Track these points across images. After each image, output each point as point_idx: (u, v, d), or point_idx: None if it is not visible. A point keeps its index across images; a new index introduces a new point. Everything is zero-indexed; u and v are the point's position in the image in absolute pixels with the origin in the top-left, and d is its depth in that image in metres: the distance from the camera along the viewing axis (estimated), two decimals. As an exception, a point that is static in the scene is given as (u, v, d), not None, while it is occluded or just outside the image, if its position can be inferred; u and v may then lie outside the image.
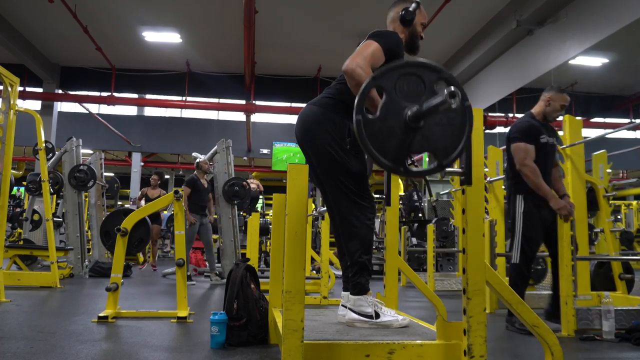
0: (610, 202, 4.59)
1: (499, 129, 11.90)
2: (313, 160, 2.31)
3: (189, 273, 6.31)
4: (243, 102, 13.31)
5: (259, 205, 11.73)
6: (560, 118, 3.68)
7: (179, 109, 14.93)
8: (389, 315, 2.18)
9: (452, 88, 1.45)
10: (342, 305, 2.31)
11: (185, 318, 3.42)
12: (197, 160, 6.68)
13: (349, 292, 2.27)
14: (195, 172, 6.61)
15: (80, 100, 13.17)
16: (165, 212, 11.80)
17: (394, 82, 1.59)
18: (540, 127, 3.43)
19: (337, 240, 2.42)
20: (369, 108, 1.62)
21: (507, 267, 5.35)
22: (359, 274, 2.22)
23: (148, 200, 7.86)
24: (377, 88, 1.62)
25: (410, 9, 2.32)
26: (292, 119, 15.57)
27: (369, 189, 2.32)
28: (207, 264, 7.39)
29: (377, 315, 2.16)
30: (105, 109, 14.53)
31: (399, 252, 3.40)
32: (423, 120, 1.58)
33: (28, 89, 12.99)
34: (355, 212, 2.22)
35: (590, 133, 13.53)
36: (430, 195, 8.75)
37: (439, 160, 1.61)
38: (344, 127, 2.25)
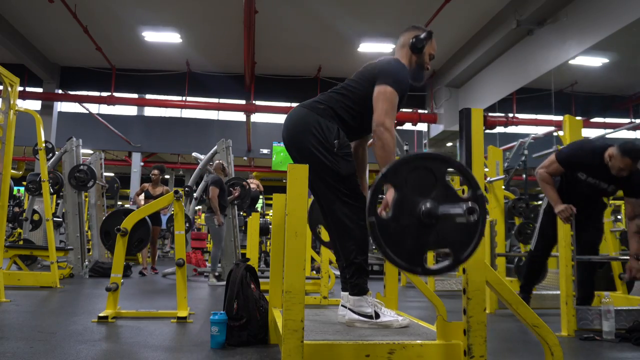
0: (610, 202, 4.59)
1: (499, 129, 11.90)
2: (299, 162, 2.30)
3: (216, 273, 6.31)
4: (243, 102, 13.32)
5: (259, 205, 11.73)
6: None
7: (179, 109, 14.93)
8: (389, 315, 2.18)
9: (470, 204, 1.46)
10: (342, 306, 2.31)
11: (185, 318, 3.42)
12: (219, 162, 6.69)
13: (348, 293, 2.27)
14: (213, 174, 6.61)
15: (80, 100, 13.17)
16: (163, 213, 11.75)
17: (404, 177, 1.58)
18: (592, 167, 3.30)
19: (332, 241, 2.41)
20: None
21: (507, 267, 5.38)
22: (356, 275, 2.22)
23: (149, 197, 7.34)
24: (387, 185, 1.61)
25: (422, 36, 2.34)
26: (292, 119, 15.55)
27: (360, 189, 2.30)
28: (206, 263, 7.40)
29: (377, 316, 2.16)
30: (105, 109, 14.53)
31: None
32: (436, 219, 1.57)
33: (28, 89, 12.99)
34: (349, 213, 2.21)
35: (590, 133, 13.54)
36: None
37: (455, 255, 1.59)
38: (331, 129, 2.25)
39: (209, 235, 9.41)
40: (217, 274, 6.34)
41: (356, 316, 2.19)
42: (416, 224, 1.57)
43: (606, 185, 3.34)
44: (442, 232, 1.58)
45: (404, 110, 12.44)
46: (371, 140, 2.26)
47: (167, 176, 22.75)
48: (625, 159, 3.17)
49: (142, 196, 7.55)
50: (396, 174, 1.59)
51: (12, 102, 4.44)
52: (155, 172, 7.41)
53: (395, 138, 2.11)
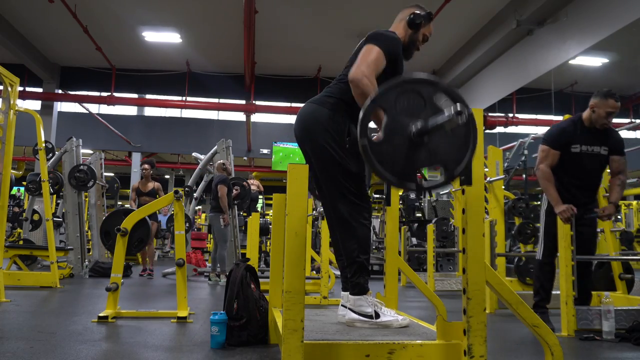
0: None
1: (499, 129, 11.91)
2: (312, 159, 2.30)
3: (217, 271, 6.28)
4: (243, 102, 13.32)
5: (259, 206, 11.73)
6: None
7: (179, 109, 14.93)
8: (388, 315, 2.18)
9: (458, 106, 1.46)
10: (342, 305, 2.31)
11: (185, 318, 3.42)
12: (220, 162, 6.67)
13: (348, 292, 2.27)
14: (217, 174, 6.57)
15: (80, 100, 13.17)
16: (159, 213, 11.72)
17: (394, 100, 1.60)
18: (577, 133, 3.34)
19: (334, 240, 2.41)
20: (375, 123, 1.61)
21: (507, 267, 5.38)
22: (357, 274, 2.22)
23: (140, 194, 7.00)
24: (377, 109, 1.62)
25: (421, 14, 2.34)
26: (292, 119, 15.53)
27: (367, 190, 2.31)
28: (206, 263, 7.39)
29: (377, 315, 2.16)
30: (105, 109, 14.53)
31: (399, 252, 3.40)
32: (427, 136, 1.58)
33: (28, 89, 12.99)
34: (353, 212, 2.21)
35: (590, 133, 13.51)
36: (430, 195, 8.75)
37: (449, 171, 1.61)
38: (343, 126, 2.25)
39: (209, 235, 9.41)
40: (218, 272, 6.34)
41: (356, 316, 2.19)
42: (408, 144, 1.59)
43: (599, 148, 3.36)
44: (434, 149, 1.60)
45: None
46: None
47: (167, 176, 22.75)
48: (609, 100, 3.23)
49: (134, 194, 7.16)
50: (385, 98, 1.60)
51: (12, 102, 4.44)
52: (146, 166, 7.16)
53: (375, 86, 2.04)
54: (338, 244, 2.35)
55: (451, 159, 1.62)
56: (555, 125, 3.54)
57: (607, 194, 3.52)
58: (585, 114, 3.38)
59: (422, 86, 1.63)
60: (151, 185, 7.13)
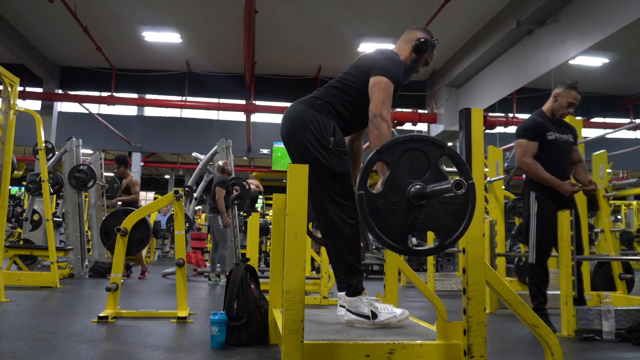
0: (610, 202, 4.59)
1: (499, 129, 11.90)
2: (296, 159, 2.31)
3: (217, 270, 6.25)
4: (243, 102, 13.32)
5: (259, 205, 11.74)
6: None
7: (179, 109, 14.94)
8: (385, 312, 2.17)
9: (458, 179, 1.46)
10: (340, 306, 2.31)
11: (185, 318, 3.42)
12: (219, 163, 6.66)
13: (344, 292, 2.27)
14: (217, 175, 6.56)
15: (80, 100, 13.17)
16: (163, 213, 11.72)
17: (399, 157, 1.59)
18: (548, 124, 3.45)
19: (324, 241, 2.41)
20: (378, 173, 1.61)
21: (507, 267, 5.37)
22: (350, 275, 2.21)
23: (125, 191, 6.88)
24: (381, 162, 1.62)
25: (429, 43, 2.38)
26: (292, 119, 15.55)
27: (352, 189, 2.28)
28: (206, 263, 7.39)
29: (375, 315, 2.16)
30: (105, 109, 14.53)
31: (399, 252, 3.39)
32: (426, 200, 1.58)
33: (28, 89, 12.99)
34: (339, 213, 2.20)
35: (590, 133, 13.54)
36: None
37: (441, 239, 1.60)
38: (328, 127, 2.25)
39: (209, 235, 9.40)
40: (218, 272, 6.34)
41: (354, 317, 2.18)
42: (405, 204, 1.58)
43: (567, 136, 3.49)
44: (430, 214, 1.59)
45: (404, 110, 12.45)
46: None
47: (167, 176, 22.76)
48: (572, 92, 3.41)
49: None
50: (390, 152, 1.60)
51: (12, 102, 4.44)
52: (117, 166, 7.06)
53: (391, 129, 2.12)
54: (328, 245, 2.35)
55: (446, 227, 1.61)
56: (525, 120, 3.61)
57: (590, 184, 3.55)
58: (547, 107, 3.52)
59: (429, 147, 1.62)
60: (125, 182, 7.13)
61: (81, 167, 7.02)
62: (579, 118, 3.96)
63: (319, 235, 2.54)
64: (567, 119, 3.84)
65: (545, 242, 3.40)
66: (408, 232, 1.60)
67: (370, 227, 1.55)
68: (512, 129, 12.64)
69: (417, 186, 1.57)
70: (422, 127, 13.64)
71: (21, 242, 6.77)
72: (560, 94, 3.44)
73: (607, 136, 5.18)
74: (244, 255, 6.61)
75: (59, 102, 13.73)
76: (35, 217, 7.47)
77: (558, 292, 3.36)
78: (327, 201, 2.22)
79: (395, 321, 2.15)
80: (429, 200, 1.59)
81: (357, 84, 2.32)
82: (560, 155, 3.44)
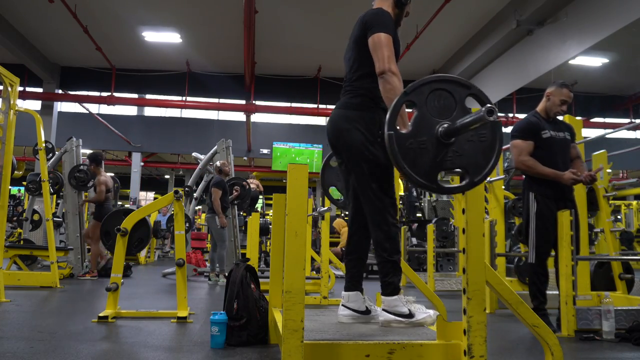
0: (610, 202, 4.59)
1: (499, 129, 11.91)
2: (347, 162, 2.30)
3: (225, 274, 6.19)
4: (243, 102, 13.32)
5: (259, 205, 11.74)
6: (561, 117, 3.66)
7: (179, 109, 14.94)
8: (421, 312, 2.18)
9: (489, 105, 1.45)
10: (343, 305, 2.31)
11: (185, 318, 3.42)
12: (217, 163, 6.64)
13: (351, 292, 2.27)
14: (214, 175, 6.51)
15: (80, 100, 13.17)
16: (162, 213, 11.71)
17: (425, 97, 1.60)
18: (542, 123, 3.45)
19: (354, 239, 2.40)
20: (398, 124, 1.62)
21: (507, 267, 5.37)
22: (391, 274, 2.21)
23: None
24: (408, 103, 1.62)
25: None
26: (292, 119, 15.58)
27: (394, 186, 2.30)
28: (206, 263, 7.38)
29: (412, 315, 2.16)
30: (105, 109, 14.54)
31: (399, 252, 3.40)
32: (454, 137, 1.58)
33: (28, 89, 12.99)
34: (385, 212, 2.20)
35: (590, 133, 13.54)
36: (430, 195, 8.74)
37: (470, 177, 1.61)
38: (373, 123, 2.23)
39: (209, 235, 9.40)
40: (217, 272, 6.33)
41: (392, 316, 2.17)
42: (434, 142, 1.59)
43: (563, 133, 3.49)
44: (459, 153, 1.60)
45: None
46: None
47: (167, 176, 22.75)
48: (564, 90, 3.43)
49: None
50: (418, 92, 1.60)
51: (12, 102, 4.44)
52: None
53: (401, 81, 2.09)
54: (360, 243, 2.36)
55: (474, 165, 1.61)
56: (518, 122, 3.63)
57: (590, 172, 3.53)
58: (540, 106, 3.54)
59: (455, 87, 1.62)
60: (102, 178, 6.63)
61: (81, 167, 7.02)
62: (579, 118, 3.96)
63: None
64: (566, 119, 3.85)
65: (544, 242, 3.39)
66: (438, 170, 1.60)
67: (400, 165, 1.56)
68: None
69: (445, 125, 1.58)
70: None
71: (21, 242, 6.77)
72: (552, 93, 3.47)
73: (607, 136, 5.16)
74: (244, 255, 6.61)
75: (59, 102, 13.73)
76: (35, 217, 7.47)
77: (554, 292, 3.36)
78: (377, 201, 2.20)
79: (430, 320, 2.15)
80: (458, 138, 1.59)
81: (368, 56, 2.22)
82: (558, 152, 3.44)
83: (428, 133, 1.59)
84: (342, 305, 2.32)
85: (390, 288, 2.20)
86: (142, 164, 15.31)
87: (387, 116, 1.57)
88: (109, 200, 6.69)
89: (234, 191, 7.03)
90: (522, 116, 12.55)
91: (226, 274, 6.12)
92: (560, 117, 3.59)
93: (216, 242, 6.36)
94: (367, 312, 2.32)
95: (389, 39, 2.16)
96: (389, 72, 2.09)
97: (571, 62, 9.46)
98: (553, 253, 3.51)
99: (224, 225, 6.28)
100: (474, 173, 1.61)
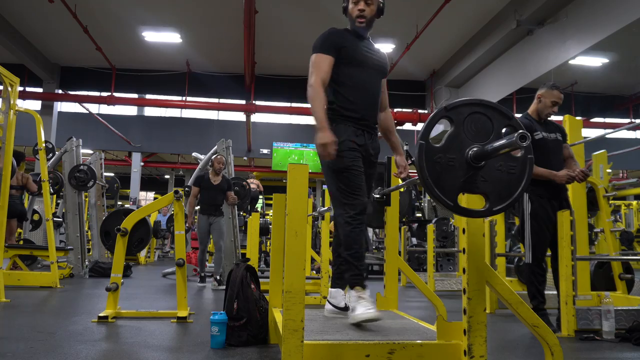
0: (610, 202, 4.59)
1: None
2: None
3: (218, 277, 6.05)
4: (243, 102, 13.32)
5: (259, 205, 11.74)
6: (557, 117, 3.67)
7: (179, 109, 14.93)
8: (362, 307, 2.11)
9: (522, 131, 1.45)
10: (327, 301, 2.49)
11: (185, 318, 3.42)
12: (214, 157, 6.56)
13: (335, 289, 2.45)
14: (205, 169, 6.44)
15: (80, 100, 13.17)
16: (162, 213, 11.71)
17: (464, 117, 1.61)
18: (534, 124, 3.47)
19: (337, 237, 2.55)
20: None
21: (507, 267, 5.37)
22: (344, 269, 2.37)
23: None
24: (446, 119, 1.63)
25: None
26: (292, 119, 15.57)
27: (354, 182, 2.32)
28: (206, 264, 7.36)
29: (347, 308, 2.29)
30: (105, 109, 14.53)
31: (399, 252, 3.40)
32: (484, 162, 1.58)
33: (28, 89, 12.99)
34: (341, 211, 2.32)
35: (590, 133, 13.54)
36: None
37: (490, 204, 1.60)
38: (335, 132, 2.32)
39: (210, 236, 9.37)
40: (217, 277, 6.18)
41: (330, 307, 2.42)
42: (462, 162, 1.59)
43: (555, 134, 3.53)
44: (484, 179, 1.60)
45: (404, 110, 12.45)
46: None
47: (167, 176, 22.76)
48: (554, 91, 3.50)
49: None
50: (457, 111, 1.62)
51: (12, 102, 4.44)
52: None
53: (317, 92, 2.35)
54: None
55: (497, 194, 1.61)
56: None
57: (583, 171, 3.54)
58: (532, 108, 3.59)
59: (495, 114, 1.63)
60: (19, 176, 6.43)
61: (81, 167, 7.02)
62: (579, 118, 3.96)
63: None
64: (566, 119, 3.85)
65: (539, 242, 3.39)
66: (460, 190, 1.60)
67: (423, 177, 1.56)
68: (512, 129, 12.65)
69: (475, 148, 1.58)
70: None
71: (21, 242, 6.77)
72: (543, 95, 3.52)
73: (607, 136, 5.16)
74: (244, 255, 6.60)
75: (59, 102, 13.73)
76: (35, 217, 7.46)
77: (553, 292, 3.36)
78: (333, 198, 2.39)
79: (365, 317, 2.08)
80: (487, 164, 1.60)
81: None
82: (551, 153, 3.44)
83: (459, 152, 1.59)
84: (327, 300, 2.48)
85: (341, 282, 2.42)
86: (142, 164, 15.31)
87: (423, 127, 1.61)
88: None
89: (228, 196, 6.65)
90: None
91: (218, 277, 6.05)
92: (550, 118, 3.60)
93: (215, 244, 6.26)
94: (346, 308, 2.37)
95: (316, 57, 2.46)
96: (309, 86, 2.39)
97: (571, 62, 9.46)
98: (549, 253, 3.51)
99: (188, 226, 6.12)
100: (494, 201, 1.61)
